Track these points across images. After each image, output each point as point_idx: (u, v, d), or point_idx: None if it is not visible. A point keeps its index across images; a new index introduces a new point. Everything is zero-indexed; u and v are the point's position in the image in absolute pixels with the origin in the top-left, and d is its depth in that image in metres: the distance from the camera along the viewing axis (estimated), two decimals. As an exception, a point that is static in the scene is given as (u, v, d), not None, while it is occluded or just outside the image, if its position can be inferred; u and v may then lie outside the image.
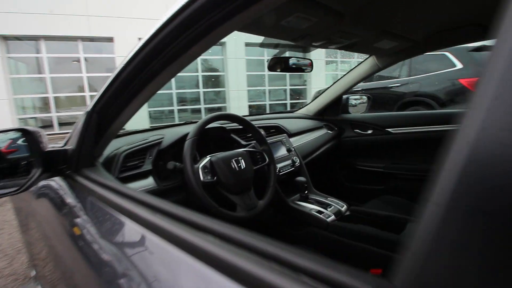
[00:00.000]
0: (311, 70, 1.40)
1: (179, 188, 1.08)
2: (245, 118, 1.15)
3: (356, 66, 1.81)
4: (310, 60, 1.41)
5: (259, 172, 1.25)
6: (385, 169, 1.90)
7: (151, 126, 1.67)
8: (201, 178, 0.94)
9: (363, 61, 1.74)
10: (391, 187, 1.89)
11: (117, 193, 0.59)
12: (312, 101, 2.19)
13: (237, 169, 1.04)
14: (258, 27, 0.89)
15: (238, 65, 10.16)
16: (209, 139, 1.30)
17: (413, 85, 5.07)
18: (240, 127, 1.45)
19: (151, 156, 1.05)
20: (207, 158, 1.01)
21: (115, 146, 1.07)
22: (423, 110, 4.70)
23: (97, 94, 0.78)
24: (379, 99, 5.37)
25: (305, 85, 12.32)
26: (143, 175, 1.01)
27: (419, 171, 1.79)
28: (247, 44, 10.17)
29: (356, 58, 13.42)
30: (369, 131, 1.99)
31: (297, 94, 12.28)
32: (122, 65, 0.70)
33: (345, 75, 1.92)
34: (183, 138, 1.00)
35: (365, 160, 2.03)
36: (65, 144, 0.95)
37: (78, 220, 0.64)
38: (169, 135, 1.13)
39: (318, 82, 11.81)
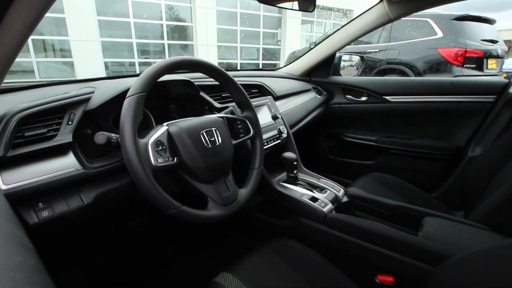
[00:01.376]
0: (313, 9, 1.03)
1: (122, 171, 0.72)
2: (222, 69, 0.78)
3: (359, 15, 1.46)
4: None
5: (239, 148, 0.93)
6: (378, 143, 1.67)
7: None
8: (152, 160, 0.59)
9: (370, 8, 1.39)
10: (381, 163, 1.69)
11: None
12: (290, 62, 1.83)
13: (210, 145, 0.69)
14: None
15: (208, 16, 9.17)
16: (167, 98, 0.92)
17: (391, 52, 4.85)
18: (214, 82, 1.07)
19: (71, 121, 0.66)
20: (163, 128, 0.65)
21: (13, 101, 0.66)
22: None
23: None
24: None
25: (278, 45, 11.69)
26: (57, 151, 0.63)
27: (416, 147, 1.58)
28: (218, -8, 9.14)
29: (332, 19, 12.87)
30: (363, 98, 1.71)
31: (270, 54, 11.66)
32: None
33: (342, 27, 1.57)
34: (125, 93, 0.62)
35: (354, 131, 1.78)
36: None
37: None
38: (104, 89, 0.73)
39: (292, 43, 11.24)
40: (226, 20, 9.70)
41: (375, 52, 5.05)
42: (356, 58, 2.03)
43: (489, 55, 4.13)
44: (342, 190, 1.09)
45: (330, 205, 0.98)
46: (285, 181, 1.12)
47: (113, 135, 0.61)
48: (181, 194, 0.72)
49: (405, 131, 1.65)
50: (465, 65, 4.05)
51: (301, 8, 0.99)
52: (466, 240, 0.77)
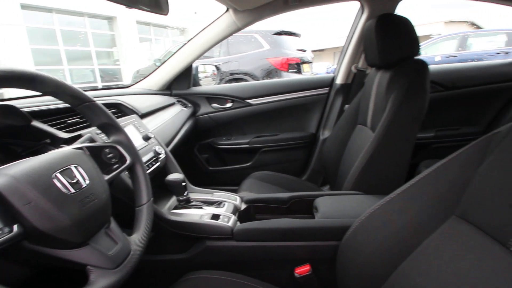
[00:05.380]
0: (167, 13, 0.93)
1: None
2: (67, 82, 0.57)
3: (207, 26, 1.48)
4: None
5: (111, 183, 0.72)
6: (250, 144, 1.76)
7: None
8: None
9: (217, 18, 1.43)
10: (257, 162, 1.78)
11: None
12: (138, 81, 1.67)
13: (74, 190, 0.48)
14: None
15: (14, 34, 7.23)
16: None
17: (233, 63, 5.37)
18: (53, 105, 0.80)
19: None
20: None
21: None
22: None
23: None
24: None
25: (117, 65, 10.67)
26: None
27: (282, 140, 1.76)
28: (25, 7, 7.38)
29: (170, 37, 12.94)
30: (229, 104, 1.76)
31: (109, 75, 10.47)
32: None
33: (193, 37, 1.54)
34: None
35: (227, 137, 1.81)
36: None
37: None
38: None
39: (133, 62, 10.52)
40: (43, 39, 7.98)
41: (220, 64, 5.43)
42: (210, 69, 2.07)
43: (303, 61, 5.20)
44: (238, 198, 1.05)
45: (233, 217, 0.91)
46: (176, 207, 0.97)
47: None
48: (35, 277, 0.47)
49: (271, 129, 1.81)
50: (289, 70, 4.96)
51: (154, 11, 0.87)
52: (356, 207, 0.88)
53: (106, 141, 0.66)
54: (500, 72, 1.65)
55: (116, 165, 0.64)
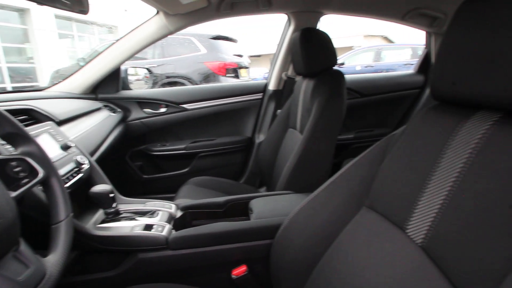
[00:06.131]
0: (88, 12, 0.86)
1: None
2: None
3: (137, 27, 1.41)
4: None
5: (21, 200, 0.64)
6: (187, 150, 1.72)
7: None
8: None
9: (147, 20, 1.38)
10: (195, 167, 1.76)
11: None
12: (56, 82, 1.51)
13: (-32, 211, 0.42)
14: None
15: None
16: None
17: (168, 66, 5.18)
18: None
19: None
20: None
21: None
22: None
23: None
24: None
25: (31, 63, 9.30)
26: None
27: (219, 145, 1.77)
28: None
29: (97, 34, 11.82)
30: (162, 109, 1.69)
31: (21, 75, 9.05)
32: None
33: (121, 38, 1.46)
34: None
35: (162, 143, 1.74)
36: None
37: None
38: None
39: (52, 60, 9.29)
40: None
41: (154, 67, 5.18)
42: (142, 72, 1.97)
43: (240, 66, 5.30)
44: (173, 205, 1.02)
45: (168, 226, 0.89)
46: (103, 221, 0.90)
47: None
48: None
49: (207, 134, 1.81)
50: (227, 75, 4.99)
51: (72, 8, 0.80)
52: (287, 206, 0.94)
53: (13, 153, 0.58)
54: (404, 81, 1.95)
55: (26, 180, 0.57)
